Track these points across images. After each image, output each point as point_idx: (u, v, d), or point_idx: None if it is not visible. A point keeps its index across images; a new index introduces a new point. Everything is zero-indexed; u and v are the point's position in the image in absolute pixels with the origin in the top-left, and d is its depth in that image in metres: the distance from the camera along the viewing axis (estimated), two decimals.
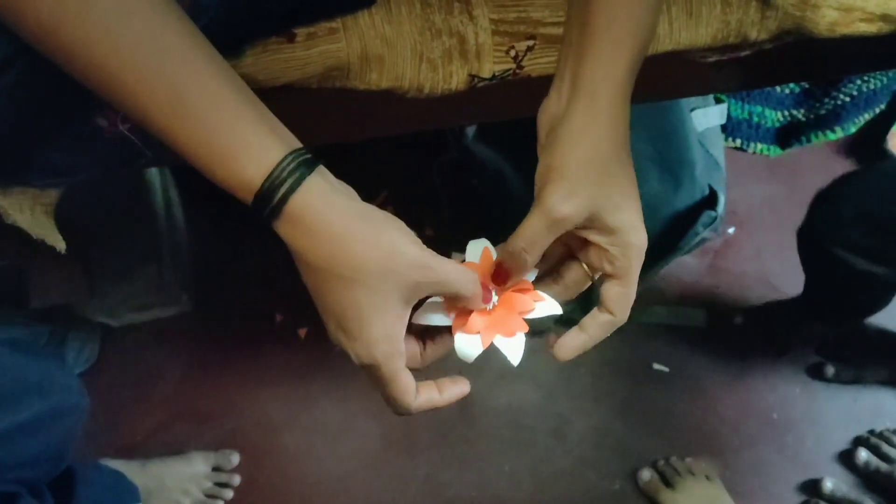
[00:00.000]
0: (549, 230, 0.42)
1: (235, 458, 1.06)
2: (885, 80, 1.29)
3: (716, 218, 0.93)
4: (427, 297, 0.43)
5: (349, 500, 1.06)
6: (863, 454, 1.08)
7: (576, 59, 0.43)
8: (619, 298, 0.44)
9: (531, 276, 0.47)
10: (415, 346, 0.45)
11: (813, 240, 0.92)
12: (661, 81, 0.63)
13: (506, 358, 0.44)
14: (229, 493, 1.04)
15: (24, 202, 0.51)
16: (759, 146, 1.33)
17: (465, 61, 0.54)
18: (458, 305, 0.45)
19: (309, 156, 0.38)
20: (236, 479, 1.05)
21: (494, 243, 0.47)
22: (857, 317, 1.09)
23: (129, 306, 1.10)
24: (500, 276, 0.46)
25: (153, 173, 1.08)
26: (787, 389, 1.16)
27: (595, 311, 0.45)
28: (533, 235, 0.42)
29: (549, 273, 0.48)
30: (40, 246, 0.54)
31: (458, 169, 1.20)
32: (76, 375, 0.83)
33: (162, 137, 0.37)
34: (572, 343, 0.45)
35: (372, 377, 0.42)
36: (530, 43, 0.54)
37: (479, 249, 0.47)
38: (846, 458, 1.10)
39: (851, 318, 1.10)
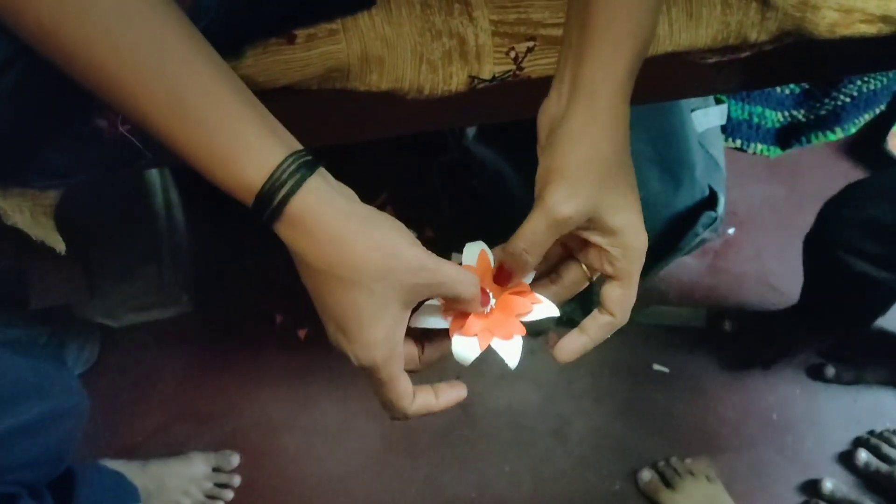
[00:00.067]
0: (551, 231, 0.42)
1: (235, 459, 1.06)
2: (885, 80, 1.29)
3: (716, 219, 0.93)
4: (425, 300, 0.43)
5: (349, 501, 1.06)
6: (863, 455, 1.08)
7: (575, 60, 0.43)
8: (620, 300, 0.44)
9: (528, 278, 0.47)
10: (413, 349, 0.45)
11: (820, 246, 0.92)
12: (661, 82, 0.63)
13: (503, 361, 0.44)
14: (229, 494, 1.04)
15: (24, 203, 0.51)
16: (760, 147, 1.33)
17: (466, 62, 0.54)
18: (457, 308, 0.44)
19: (309, 157, 0.38)
20: (236, 480, 1.05)
21: (495, 244, 0.47)
22: (855, 324, 1.09)
23: (129, 307, 1.10)
24: (502, 277, 0.46)
25: (153, 174, 1.08)
26: (787, 390, 1.16)
27: (595, 312, 0.45)
28: (534, 236, 0.42)
29: (547, 273, 0.48)
30: (40, 247, 0.54)
31: (458, 170, 1.20)
32: (76, 376, 0.83)
33: (162, 139, 0.37)
34: (572, 345, 0.45)
35: (370, 380, 0.42)
36: (530, 44, 0.55)
37: (475, 252, 0.47)
38: (846, 459, 1.10)
39: (849, 326, 1.10)
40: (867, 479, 1.08)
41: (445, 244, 0.48)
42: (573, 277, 0.47)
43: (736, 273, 1.25)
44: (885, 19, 0.56)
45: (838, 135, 1.31)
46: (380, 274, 0.38)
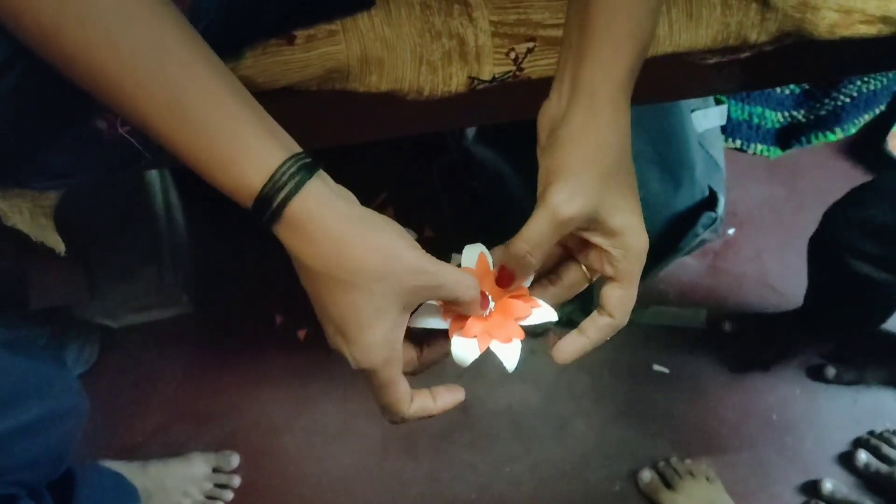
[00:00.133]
0: (554, 231, 0.42)
1: (235, 460, 1.06)
2: (885, 80, 1.29)
3: (716, 219, 0.94)
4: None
5: (349, 501, 1.06)
6: (863, 456, 1.08)
7: (575, 60, 0.43)
8: (620, 301, 0.44)
9: (527, 280, 0.47)
10: (411, 351, 0.45)
11: (823, 248, 0.92)
12: (662, 83, 0.63)
13: (502, 364, 0.44)
14: (229, 495, 1.04)
15: (24, 205, 0.51)
16: (759, 147, 1.33)
17: (465, 63, 0.54)
18: (456, 310, 0.44)
19: (309, 160, 0.38)
20: (236, 481, 1.05)
21: (495, 245, 0.47)
22: (858, 328, 1.09)
23: (129, 307, 1.10)
24: (504, 279, 0.45)
25: (153, 174, 1.08)
26: (787, 390, 1.16)
27: (595, 313, 0.45)
28: (538, 237, 0.42)
29: (546, 274, 0.48)
30: (40, 248, 0.54)
31: (458, 170, 1.20)
32: (76, 377, 0.83)
33: (161, 142, 0.37)
34: (571, 346, 0.45)
35: (368, 382, 0.42)
36: (530, 45, 0.54)
37: (474, 254, 0.46)
38: (846, 460, 1.10)
39: (852, 329, 1.10)
40: (867, 479, 1.08)
41: (445, 245, 0.48)
42: (573, 279, 0.47)
43: (736, 273, 1.25)
44: (884, 20, 0.56)
45: (838, 135, 1.31)
46: (379, 276, 0.38)
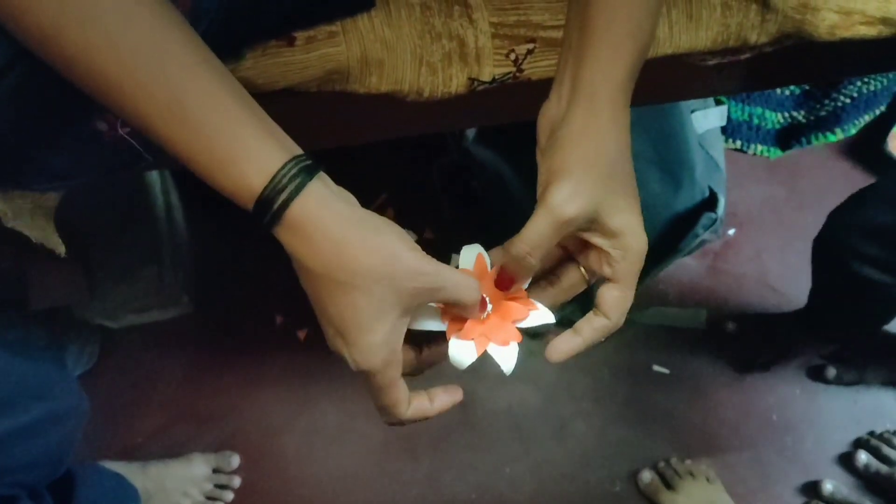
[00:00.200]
0: (555, 232, 0.42)
1: (235, 460, 1.06)
2: (885, 81, 1.29)
3: (716, 220, 0.93)
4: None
5: (349, 502, 1.06)
6: (863, 456, 1.08)
7: (575, 62, 0.43)
8: (616, 302, 0.44)
9: (525, 282, 0.47)
10: (410, 352, 0.45)
11: (826, 250, 0.92)
12: (662, 84, 0.63)
13: (499, 366, 0.44)
14: (229, 495, 1.04)
15: (24, 206, 0.51)
16: (759, 148, 1.33)
17: (465, 65, 0.54)
18: (455, 312, 0.44)
19: (309, 162, 0.38)
20: (236, 481, 1.05)
21: (494, 246, 0.47)
22: (860, 329, 1.09)
23: (129, 308, 1.10)
24: (504, 282, 0.45)
25: (153, 175, 1.08)
26: (787, 391, 1.16)
27: (590, 314, 0.45)
28: (538, 238, 0.42)
29: (544, 276, 0.48)
30: (40, 248, 0.54)
31: (458, 171, 1.20)
32: (76, 378, 0.83)
33: (161, 143, 0.37)
34: (565, 346, 0.45)
35: (367, 384, 0.42)
36: (530, 46, 0.54)
37: (472, 255, 0.46)
38: (846, 460, 1.10)
39: (854, 331, 1.10)
40: (867, 480, 1.08)
41: (445, 246, 0.48)
42: (571, 280, 0.47)
43: (736, 274, 1.25)
44: (884, 21, 0.56)
45: (838, 136, 1.31)
46: (379, 278, 0.38)
